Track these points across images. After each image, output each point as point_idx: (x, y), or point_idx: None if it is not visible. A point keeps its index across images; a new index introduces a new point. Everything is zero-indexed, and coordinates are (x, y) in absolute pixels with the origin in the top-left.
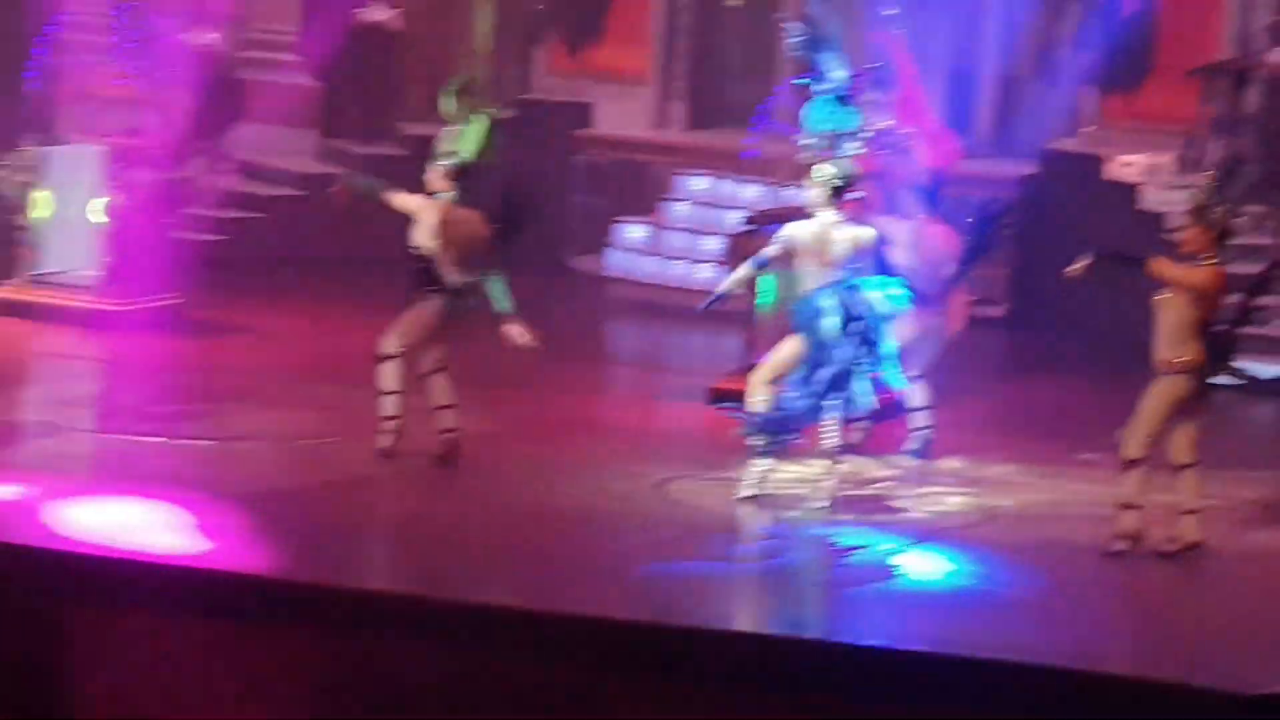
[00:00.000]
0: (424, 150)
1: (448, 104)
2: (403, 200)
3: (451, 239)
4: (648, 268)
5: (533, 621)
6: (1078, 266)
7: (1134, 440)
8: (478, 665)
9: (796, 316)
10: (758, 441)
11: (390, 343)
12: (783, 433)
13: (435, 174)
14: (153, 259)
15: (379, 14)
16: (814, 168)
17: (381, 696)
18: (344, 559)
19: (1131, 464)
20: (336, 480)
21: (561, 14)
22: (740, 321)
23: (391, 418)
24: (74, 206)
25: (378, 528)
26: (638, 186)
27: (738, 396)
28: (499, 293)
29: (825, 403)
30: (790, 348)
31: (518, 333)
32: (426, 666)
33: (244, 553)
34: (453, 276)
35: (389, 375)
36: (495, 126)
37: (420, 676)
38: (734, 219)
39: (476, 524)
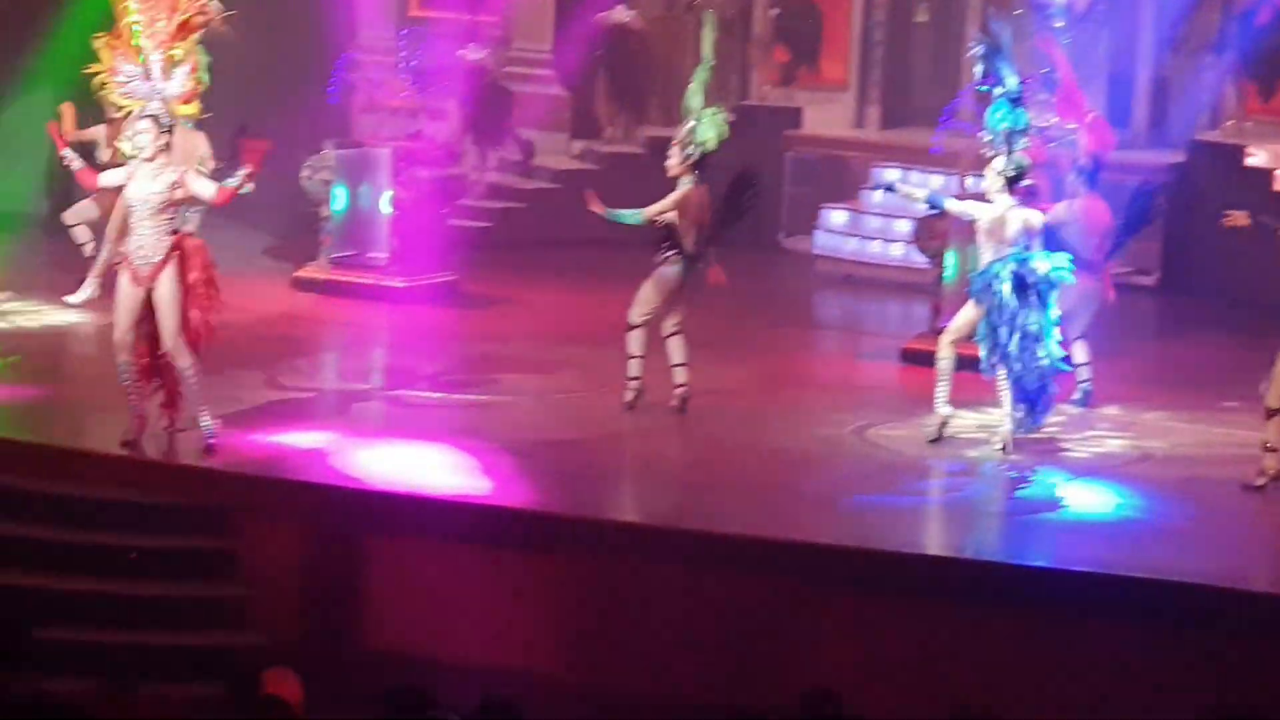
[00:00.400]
0: (659, 149)
1: (693, 97)
2: (656, 213)
3: (690, 216)
4: (848, 247)
5: (754, 546)
6: (1236, 216)
7: (1275, 391)
8: (707, 584)
9: (975, 286)
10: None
11: (636, 313)
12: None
13: (677, 161)
14: (432, 243)
15: (623, 16)
16: (992, 160)
17: (629, 612)
18: (596, 495)
19: (1272, 413)
20: (589, 428)
21: (783, 33)
22: (928, 292)
23: (635, 378)
24: (366, 200)
25: (624, 468)
26: (839, 178)
27: (927, 356)
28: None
29: (1005, 361)
30: (970, 313)
31: (715, 273)
32: (665, 585)
33: (512, 490)
34: (689, 246)
35: (635, 341)
36: (728, 119)
37: (661, 594)
38: (921, 205)
39: (705, 463)
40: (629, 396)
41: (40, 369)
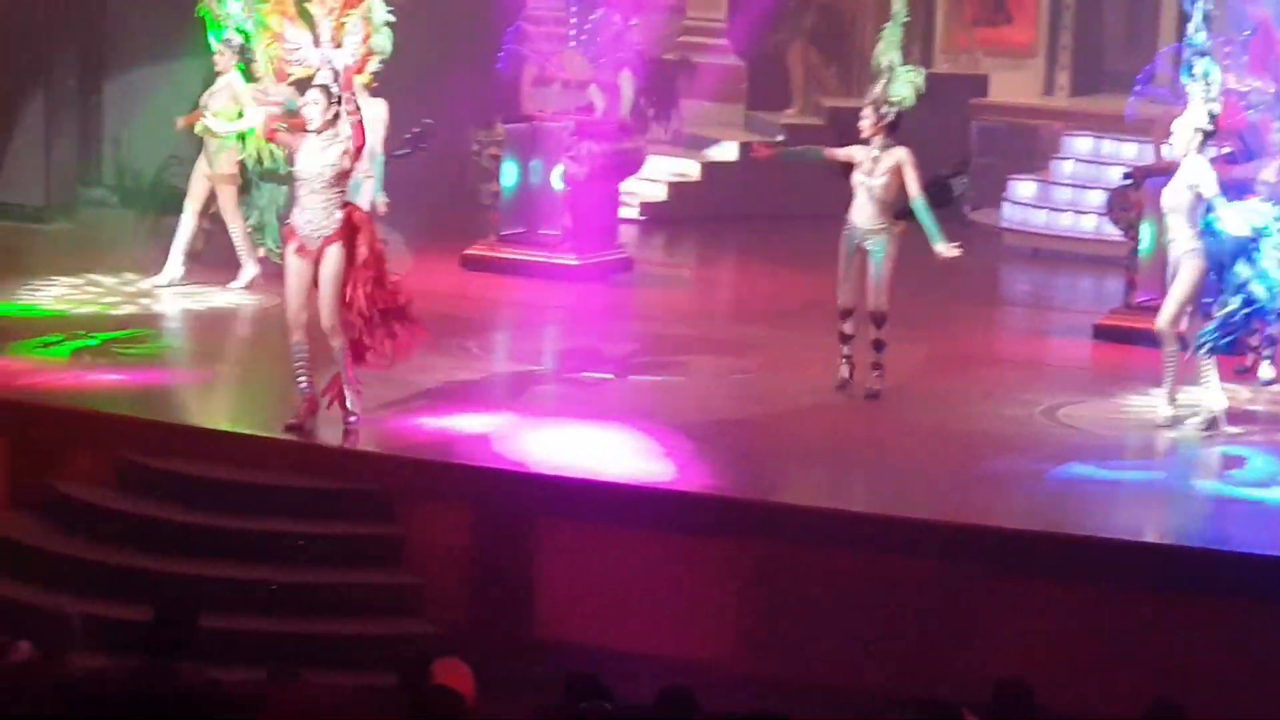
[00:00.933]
0: (839, 120)
1: (885, 54)
2: (840, 152)
3: (889, 177)
4: (1037, 219)
5: (939, 530)
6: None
7: None
8: (891, 570)
9: (1186, 253)
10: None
11: (848, 297)
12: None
13: (871, 122)
14: (605, 219)
15: None
16: (1181, 122)
17: (809, 599)
18: (775, 478)
19: None
20: (769, 409)
21: None
22: (1122, 265)
23: (845, 356)
24: (536, 175)
25: (806, 450)
26: (1028, 147)
27: (1122, 333)
28: (928, 221)
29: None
30: (1186, 280)
31: (946, 248)
32: (848, 572)
33: (689, 473)
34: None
35: (850, 324)
36: (923, 75)
37: (843, 581)
38: (1115, 175)
39: (889, 445)
40: (842, 373)
41: (206, 351)
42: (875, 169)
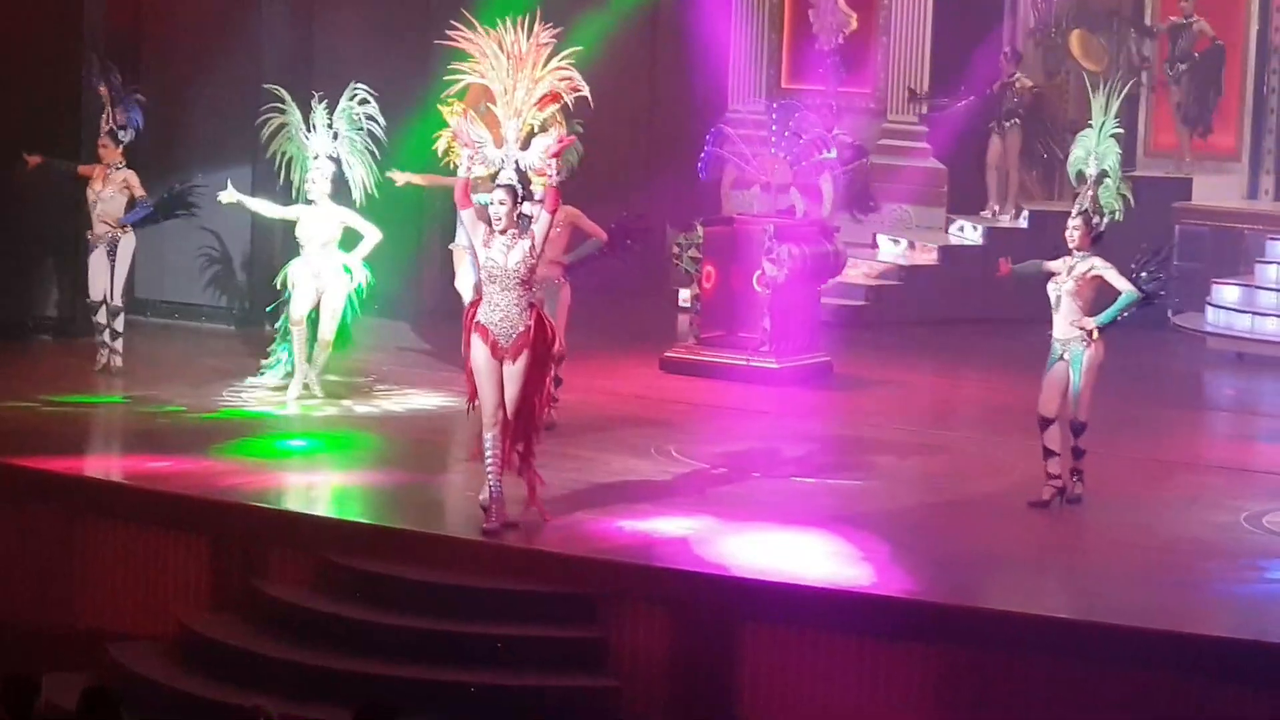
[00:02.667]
0: (1043, 225)
1: (1095, 162)
2: (1053, 264)
3: (1079, 284)
4: (1242, 323)
5: (1146, 638)
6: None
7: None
8: (1095, 679)
9: None
10: None
11: (1046, 406)
12: None
13: (1082, 234)
14: (805, 322)
15: (1027, 81)
16: None
17: (1010, 708)
18: (975, 583)
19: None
20: (968, 515)
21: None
22: None
23: (1054, 475)
24: (737, 277)
25: (1006, 556)
26: (1232, 251)
27: None
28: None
29: None
30: None
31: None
32: (1049, 679)
33: (888, 578)
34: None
35: (1052, 436)
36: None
37: (1045, 689)
38: None
39: (1092, 551)
40: (1045, 494)
41: (404, 453)
42: (1069, 275)
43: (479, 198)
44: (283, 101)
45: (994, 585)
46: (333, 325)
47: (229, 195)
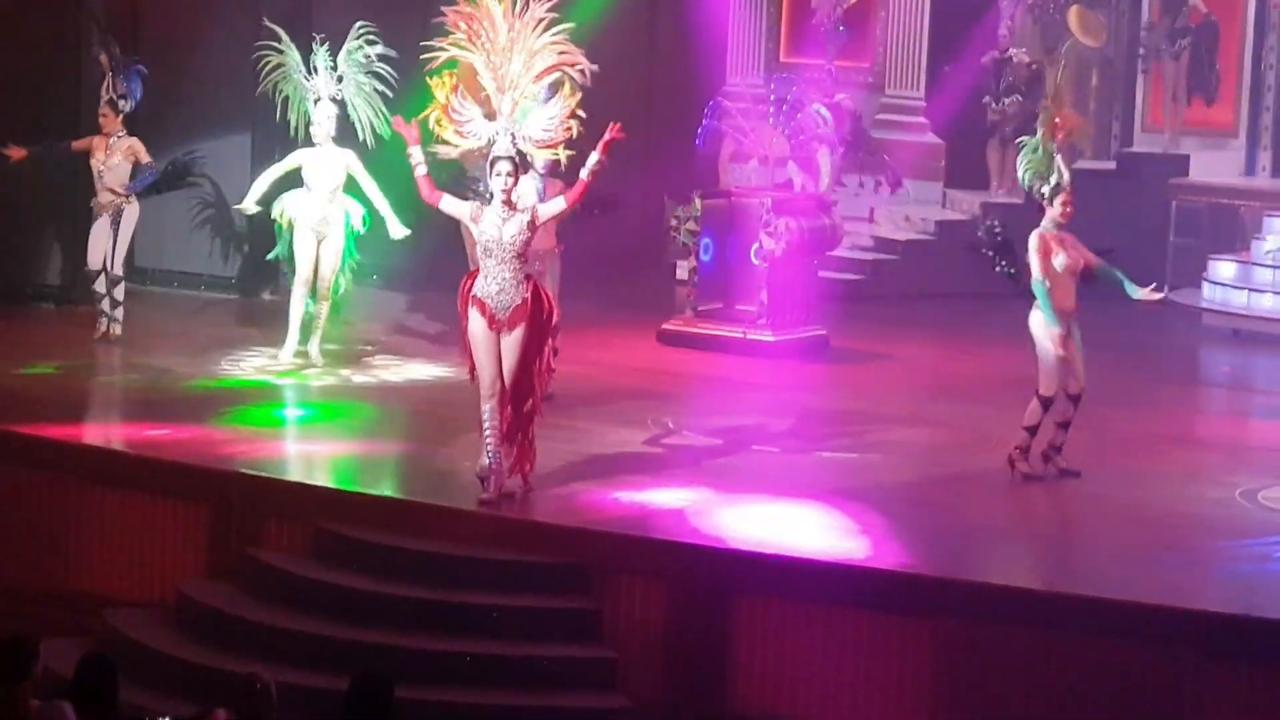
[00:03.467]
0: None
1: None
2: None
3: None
4: (1238, 300)
5: (1136, 611)
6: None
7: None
8: (1086, 651)
9: None
10: None
11: (1045, 385)
12: None
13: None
14: (801, 295)
15: (1024, 56)
16: None
17: (1002, 680)
18: (970, 556)
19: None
20: (964, 488)
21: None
22: None
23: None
24: (733, 251)
25: (1001, 529)
26: (1228, 227)
27: None
28: (1115, 276)
29: None
30: None
31: (1147, 293)
32: (1041, 652)
33: (883, 550)
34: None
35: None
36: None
37: (1036, 661)
38: None
39: (1086, 525)
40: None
41: (402, 423)
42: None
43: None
44: (279, 40)
45: (989, 558)
46: (331, 278)
47: (249, 208)
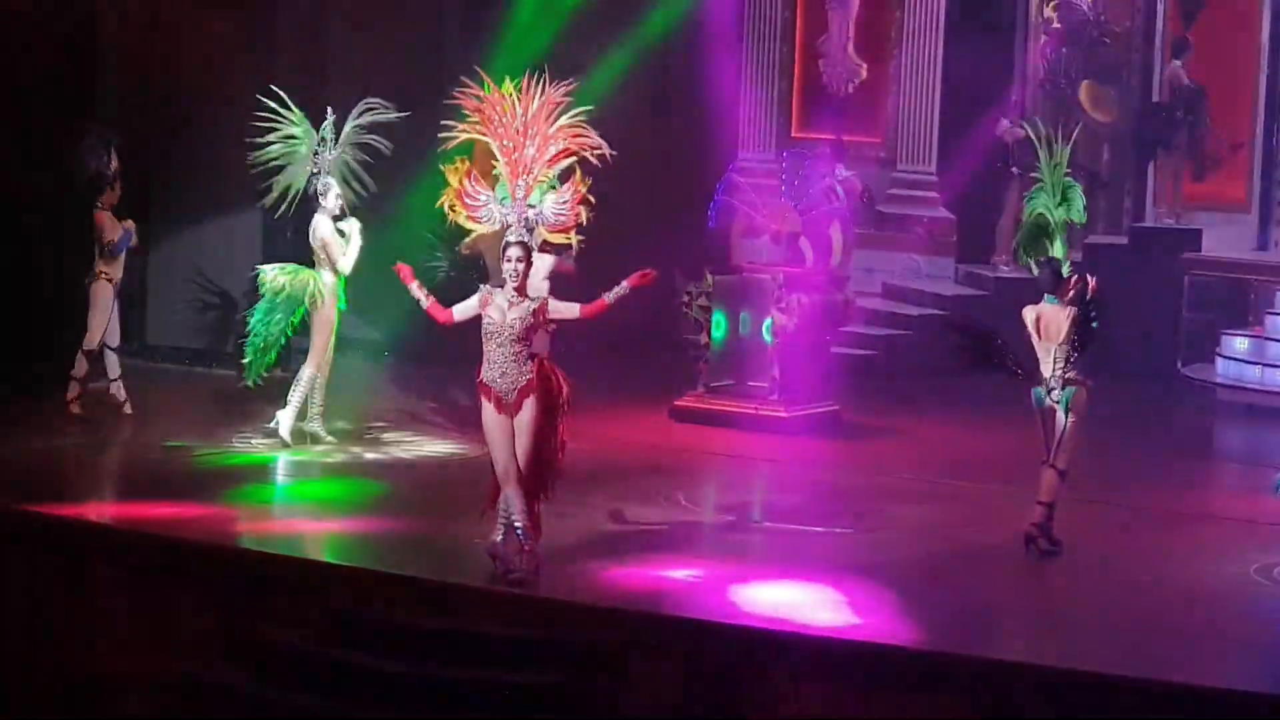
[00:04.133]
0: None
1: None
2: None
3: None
4: (1252, 374)
5: (1152, 691)
6: None
7: None
8: None
9: None
10: None
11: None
12: None
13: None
14: (814, 371)
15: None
16: None
17: None
18: (984, 633)
19: None
20: (977, 564)
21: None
22: None
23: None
24: (746, 327)
25: (1014, 606)
26: (1242, 302)
27: None
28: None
29: None
30: None
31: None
32: None
33: (896, 627)
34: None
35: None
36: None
37: None
38: None
39: (1099, 601)
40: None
41: (416, 500)
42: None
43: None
44: (290, 109)
45: (1003, 635)
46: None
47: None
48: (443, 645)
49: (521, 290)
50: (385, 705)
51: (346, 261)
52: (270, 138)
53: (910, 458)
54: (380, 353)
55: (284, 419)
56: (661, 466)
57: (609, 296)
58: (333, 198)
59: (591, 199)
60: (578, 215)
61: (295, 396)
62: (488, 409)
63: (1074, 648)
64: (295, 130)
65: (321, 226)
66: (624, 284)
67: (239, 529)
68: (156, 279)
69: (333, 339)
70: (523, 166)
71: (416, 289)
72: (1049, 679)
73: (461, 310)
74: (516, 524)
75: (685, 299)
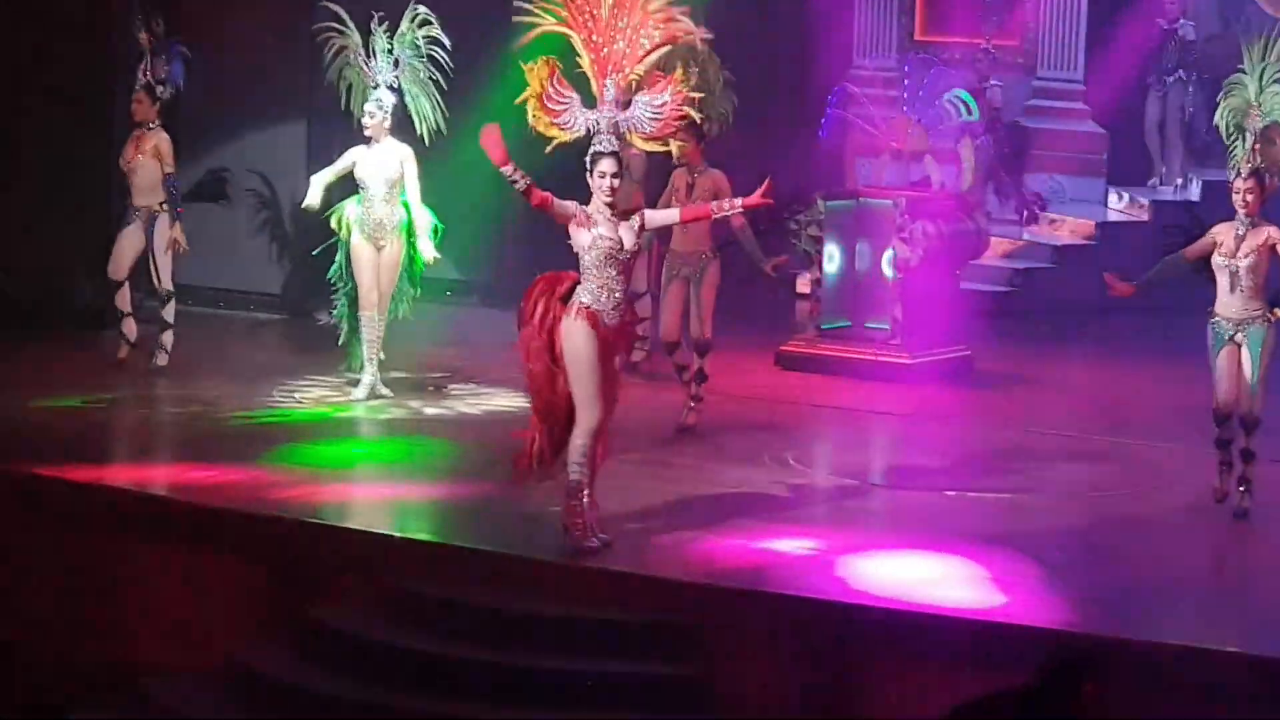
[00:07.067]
0: (1218, 193)
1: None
2: (1199, 245)
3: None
4: None
5: None
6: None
7: None
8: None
9: None
10: None
11: (1227, 399)
12: None
13: (1252, 196)
14: (943, 311)
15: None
16: None
17: None
18: (1141, 615)
19: None
20: (1133, 535)
21: None
22: None
23: (1223, 464)
24: (863, 260)
25: (1176, 584)
26: None
27: None
28: None
29: None
30: None
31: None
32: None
33: (1040, 608)
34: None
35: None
36: None
37: None
38: None
39: (1273, 577)
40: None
41: (481, 462)
42: (1239, 248)
43: None
44: (341, 22)
45: (1164, 617)
46: (389, 294)
47: (312, 201)
48: (516, 629)
49: (615, 208)
50: (452, 699)
51: (376, 191)
52: (327, 54)
53: (1056, 410)
54: (442, 291)
55: (364, 378)
56: (766, 422)
57: (715, 207)
58: (366, 118)
59: (733, 97)
60: (682, 117)
61: (364, 350)
62: (587, 339)
63: (1251, 631)
64: (348, 41)
65: (351, 152)
66: (737, 200)
67: (284, 496)
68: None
69: (394, 277)
70: (611, 64)
71: (509, 170)
72: (1221, 666)
73: (560, 205)
74: (583, 483)
75: (793, 228)
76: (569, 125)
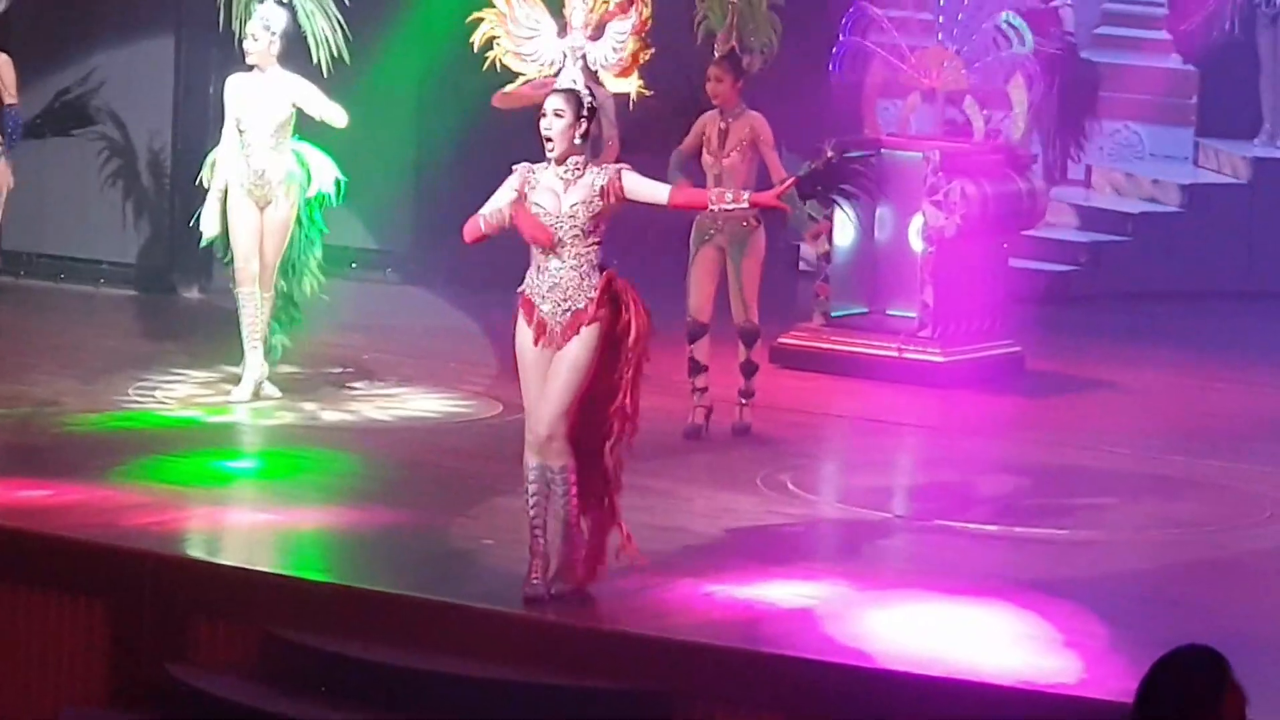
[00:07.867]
0: None
1: None
2: None
3: None
4: None
5: None
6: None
7: None
8: None
9: None
10: None
11: None
12: None
13: None
14: (983, 295)
15: None
16: None
17: None
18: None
19: None
20: (1217, 582)
21: None
22: None
23: None
24: (885, 229)
25: (1270, 642)
26: None
27: None
28: None
29: None
30: None
31: None
32: None
33: (1103, 673)
34: None
35: None
36: None
37: None
38: None
39: None
40: None
41: (396, 481)
42: None
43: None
44: None
45: (1262, 682)
46: (276, 261)
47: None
48: (438, 695)
49: (566, 159)
50: None
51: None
52: None
53: (1126, 423)
54: (347, 263)
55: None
56: (760, 434)
57: (715, 197)
58: (249, 41)
59: (777, 23)
60: (641, 48)
61: (246, 333)
62: (523, 333)
63: None
64: None
65: (229, 83)
66: (744, 194)
67: (138, 522)
68: (20, 162)
69: (283, 240)
70: None
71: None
72: None
73: (492, 208)
74: (535, 515)
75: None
76: (536, 57)
